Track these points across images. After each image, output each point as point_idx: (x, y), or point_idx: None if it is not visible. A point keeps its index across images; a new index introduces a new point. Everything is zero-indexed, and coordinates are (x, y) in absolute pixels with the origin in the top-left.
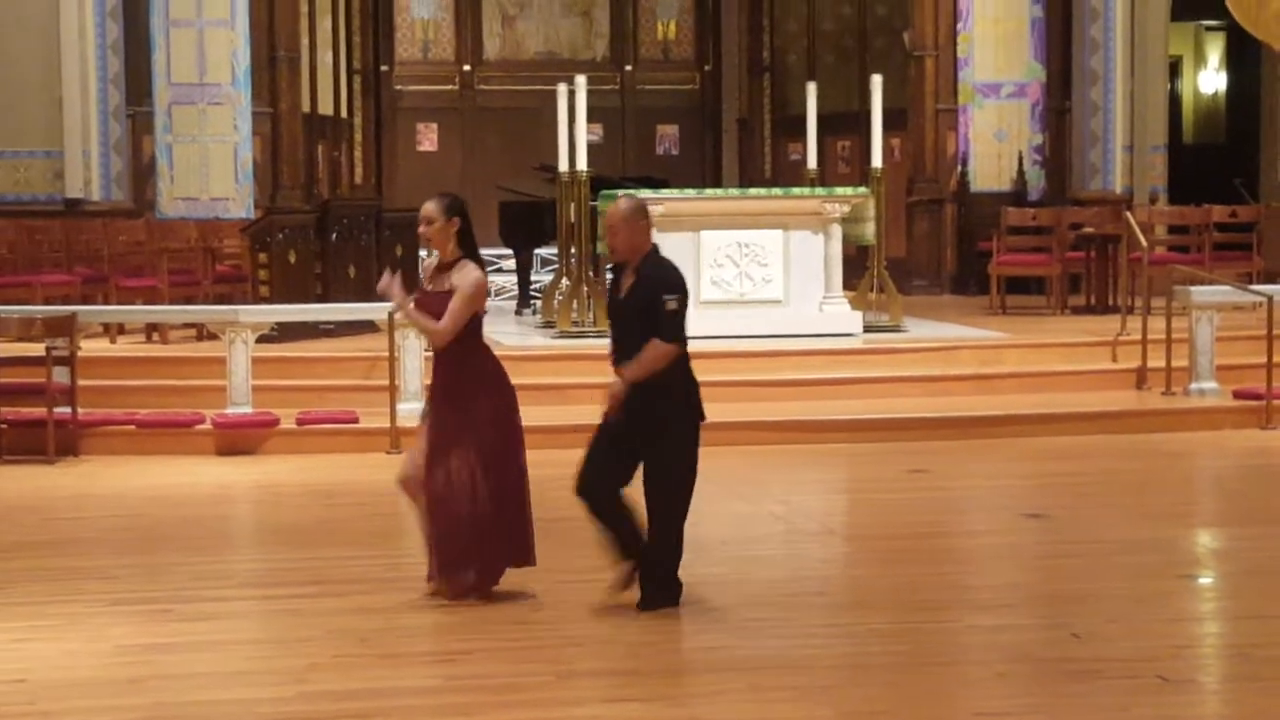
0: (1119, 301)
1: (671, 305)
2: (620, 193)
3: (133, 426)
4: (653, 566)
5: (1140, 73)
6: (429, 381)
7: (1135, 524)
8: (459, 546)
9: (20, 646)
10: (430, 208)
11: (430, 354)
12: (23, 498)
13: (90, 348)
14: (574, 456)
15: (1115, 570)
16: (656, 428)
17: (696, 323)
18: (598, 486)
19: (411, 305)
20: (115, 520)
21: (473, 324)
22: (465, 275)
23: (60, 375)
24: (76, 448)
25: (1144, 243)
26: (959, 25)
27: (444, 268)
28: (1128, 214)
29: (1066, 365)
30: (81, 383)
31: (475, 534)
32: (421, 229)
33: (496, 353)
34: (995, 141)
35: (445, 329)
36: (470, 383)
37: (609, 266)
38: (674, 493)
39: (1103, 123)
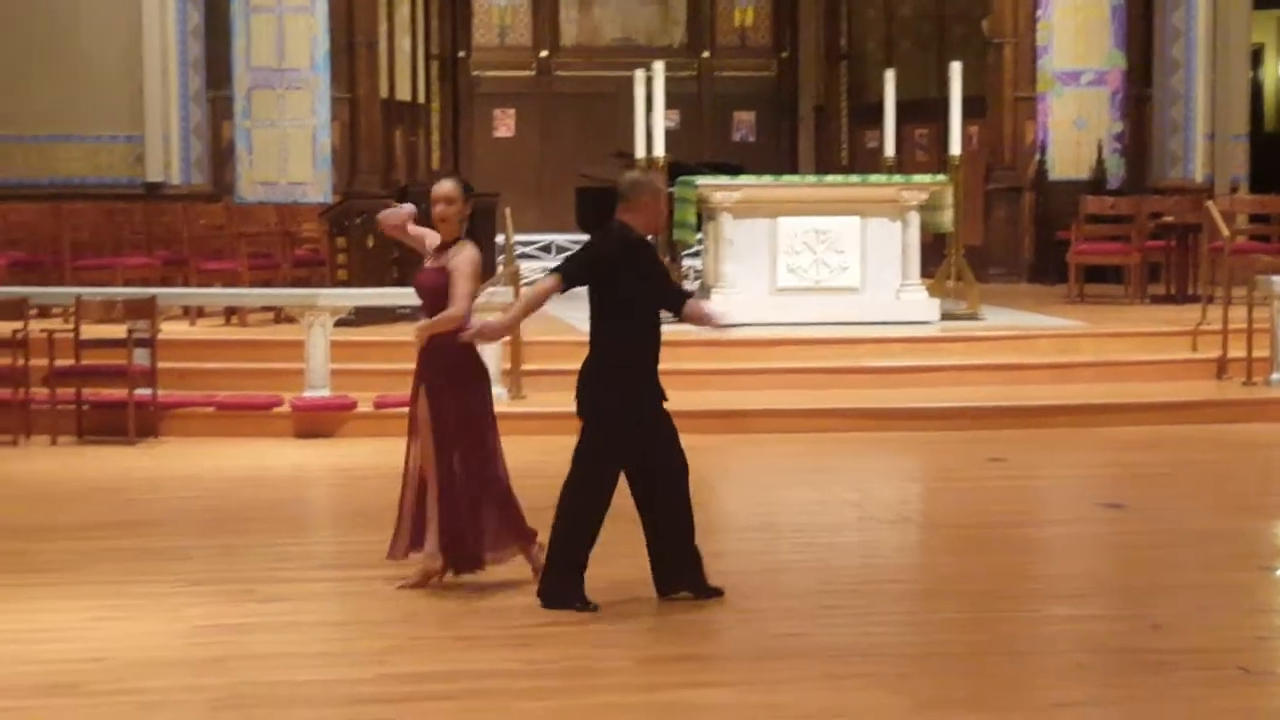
0: (1199, 291)
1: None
2: (699, 180)
3: (212, 409)
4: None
5: (1222, 61)
6: (507, 366)
7: (1215, 515)
8: (474, 530)
9: (100, 626)
10: (449, 188)
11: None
12: (103, 478)
13: (170, 330)
14: None
15: (1194, 561)
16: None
17: (773, 309)
18: None
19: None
20: (194, 501)
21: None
22: (463, 253)
23: (141, 357)
24: (156, 429)
25: (1225, 231)
26: (1038, 12)
27: (445, 246)
28: (1208, 203)
29: (1145, 355)
30: (161, 365)
31: (497, 514)
32: (441, 209)
33: (574, 337)
34: (1074, 129)
35: (460, 312)
36: (469, 367)
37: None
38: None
39: (1183, 111)
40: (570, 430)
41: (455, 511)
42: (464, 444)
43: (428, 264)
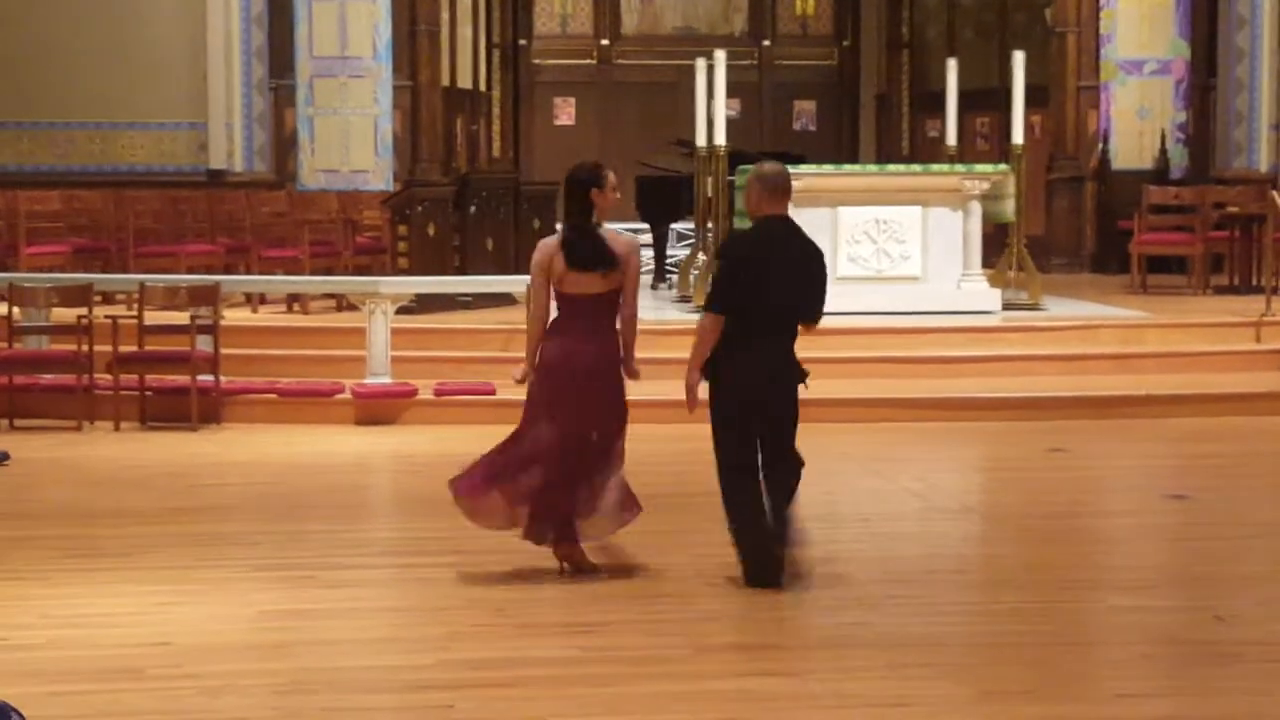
0: (1263, 282)
1: (719, 273)
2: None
3: (274, 395)
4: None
5: None
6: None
7: (1278, 506)
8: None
9: (164, 610)
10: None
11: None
12: (167, 464)
13: (233, 317)
14: (706, 430)
15: (1259, 553)
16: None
17: (834, 299)
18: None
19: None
20: (257, 487)
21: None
22: (632, 251)
23: (204, 344)
24: (219, 415)
25: None
26: (1102, 1)
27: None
28: (1273, 193)
29: (1209, 345)
30: (224, 351)
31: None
32: (617, 195)
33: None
34: (1137, 119)
35: (637, 312)
36: (613, 355)
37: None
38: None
39: (1248, 101)
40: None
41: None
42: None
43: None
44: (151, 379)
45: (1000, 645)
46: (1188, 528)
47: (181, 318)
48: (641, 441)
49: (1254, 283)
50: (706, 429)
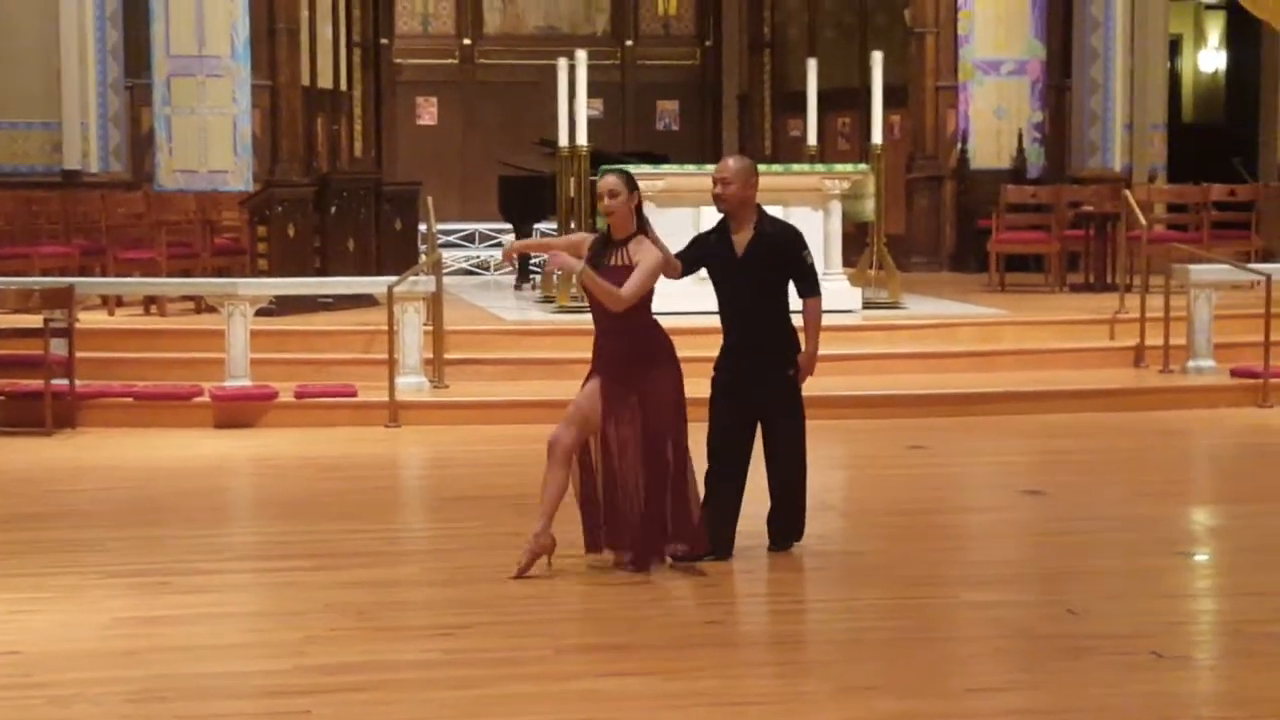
0: (1117, 279)
1: (810, 260)
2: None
3: (131, 399)
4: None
5: (1140, 51)
6: (429, 355)
7: (1132, 501)
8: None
9: (16, 618)
10: (613, 181)
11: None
12: (20, 469)
13: (88, 320)
14: None
15: (1111, 547)
16: (789, 395)
17: (695, 298)
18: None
19: (591, 270)
20: (113, 492)
21: (647, 299)
22: (649, 250)
23: (58, 347)
24: (74, 420)
25: (1143, 221)
26: (960, 2)
27: (619, 243)
28: (1127, 192)
29: (1065, 343)
30: (79, 355)
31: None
32: (606, 203)
33: (496, 328)
34: (995, 119)
35: (628, 296)
36: (652, 355)
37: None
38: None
39: (1102, 101)
40: (493, 420)
41: (663, 500)
42: (675, 429)
43: (609, 263)
44: (4, 383)
45: (857, 641)
46: (1043, 523)
47: (35, 321)
48: (498, 443)
49: (1109, 280)
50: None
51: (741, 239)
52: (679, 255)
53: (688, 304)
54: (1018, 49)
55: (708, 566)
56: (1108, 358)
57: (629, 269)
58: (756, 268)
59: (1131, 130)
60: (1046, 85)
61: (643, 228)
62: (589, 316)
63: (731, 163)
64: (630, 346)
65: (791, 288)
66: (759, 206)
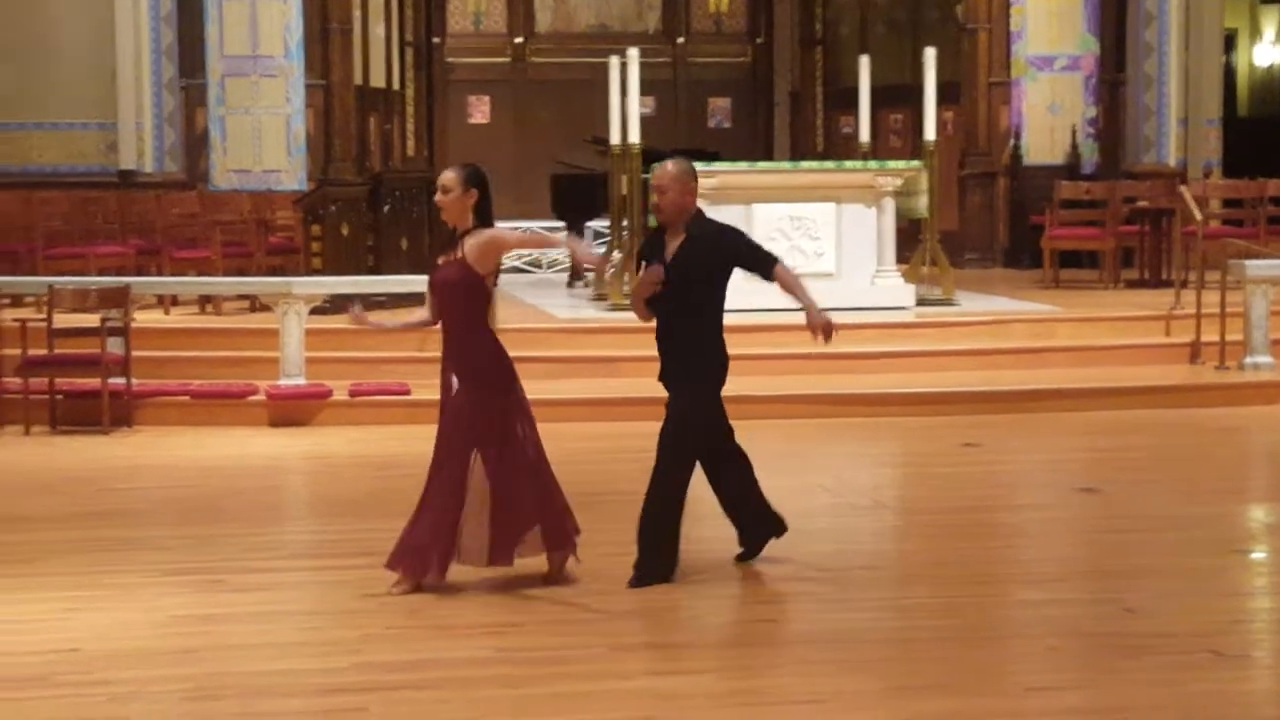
0: (1172, 276)
1: (753, 241)
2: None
3: (186, 397)
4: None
5: (1195, 45)
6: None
7: (1188, 499)
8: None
9: (74, 616)
10: (449, 176)
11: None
12: (77, 468)
13: (144, 319)
14: (623, 429)
15: (1168, 545)
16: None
17: (746, 296)
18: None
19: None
20: (169, 491)
21: (480, 310)
22: (480, 233)
23: (115, 346)
24: (131, 418)
25: (1198, 216)
26: None
27: (457, 238)
28: (1182, 187)
29: (1119, 340)
30: (136, 354)
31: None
32: (438, 198)
33: (549, 326)
34: (1048, 115)
35: (513, 240)
36: (492, 368)
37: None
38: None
39: (1157, 96)
40: (546, 418)
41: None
42: (498, 444)
43: (440, 260)
44: (62, 382)
45: (910, 640)
46: (1097, 521)
47: (92, 320)
48: (551, 441)
49: (1163, 277)
50: (610, 427)
51: (674, 245)
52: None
53: (741, 302)
54: (1071, 44)
55: (764, 564)
56: (1163, 354)
57: (460, 262)
58: (681, 276)
59: (1186, 125)
60: (1100, 80)
61: (486, 225)
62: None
63: (670, 167)
64: (486, 356)
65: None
66: (698, 211)
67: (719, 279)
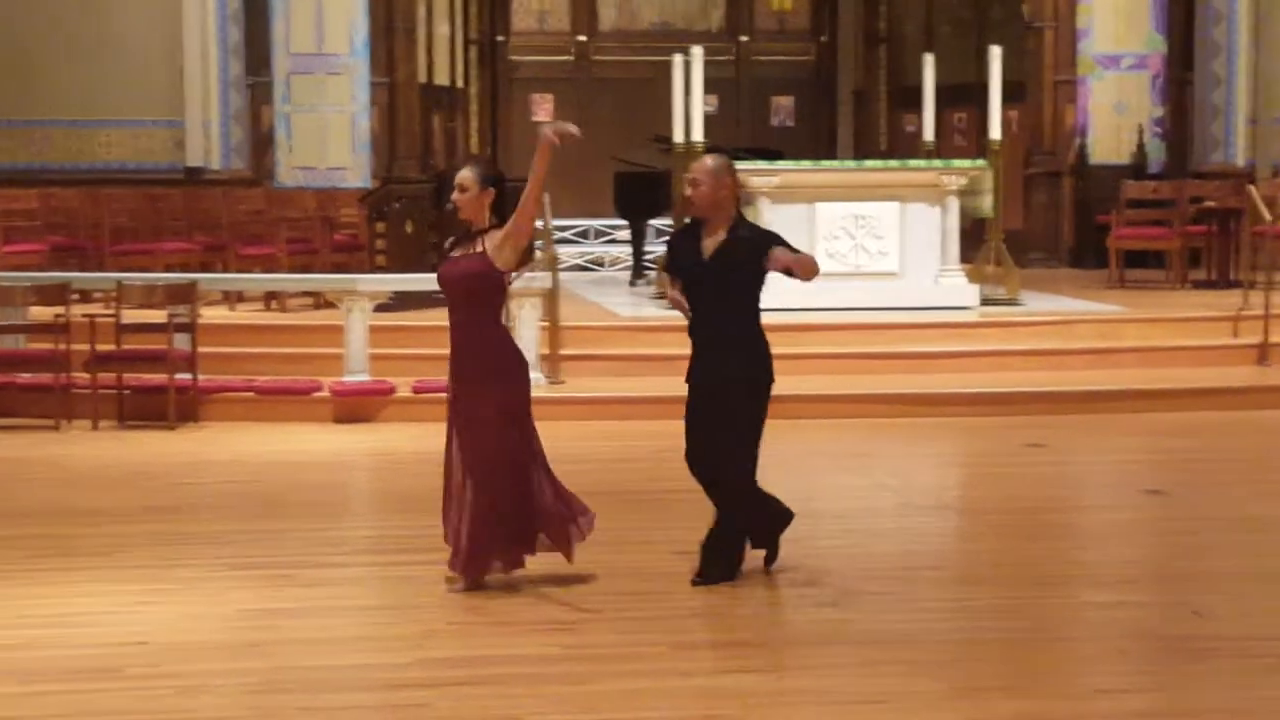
0: (1240, 276)
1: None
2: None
3: (252, 393)
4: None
5: (1264, 44)
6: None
7: (1255, 501)
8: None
9: (142, 609)
10: (466, 175)
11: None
12: (144, 463)
13: (210, 315)
14: (670, 428)
15: (1235, 547)
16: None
17: (811, 295)
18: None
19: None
20: (234, 486)
21: (495, 305)
22: (496, 232)
23: (181, 342)
24: (197, 414)
25: (1267, 216)
26: None
27: (472, 235)
28: (1250, 187)
29: (1186, 340)
30: (202, 349)
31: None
32: (455, 196)
33: (612, 324)
34: (1115, 114)
35: (527, 227)
36: (500, 366)
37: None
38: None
39: (1225, 95)
40: (608, 415)
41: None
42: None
43: (456, 254)
44: (129, 378)
45: (976, 641)
46: (1165, 523)
47: (159, 316)
48: (614, 439)
49: (1231, 277)
50: (673, 425)
51: (712, 242)
52: (667, 269)
53: (801, 301)
54: (1138, 43)
55: (828, 563)
56: (1230, 355)
57: (476, 256)
58: (723, 271)
59: (1255, 124)
60: (1167, 79)
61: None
62: None
63: (708, 161)
64: (492, 354)
65: (770, 297)
66: (738, 211)
67: (760, 278)
